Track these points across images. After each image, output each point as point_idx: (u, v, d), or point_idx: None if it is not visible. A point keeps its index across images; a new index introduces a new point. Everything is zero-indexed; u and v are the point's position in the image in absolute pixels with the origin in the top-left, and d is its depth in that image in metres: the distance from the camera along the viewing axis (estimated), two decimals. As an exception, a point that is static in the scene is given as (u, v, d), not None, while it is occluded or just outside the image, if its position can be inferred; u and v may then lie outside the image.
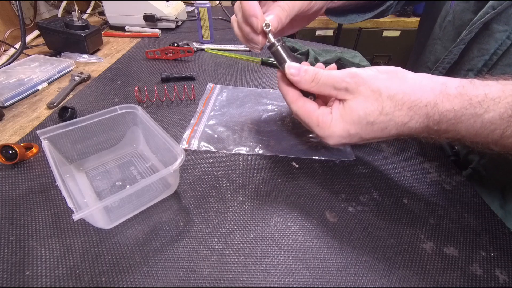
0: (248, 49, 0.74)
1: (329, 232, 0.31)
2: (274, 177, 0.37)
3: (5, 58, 0.66)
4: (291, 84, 0.31)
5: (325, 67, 0.32)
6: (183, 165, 0.38)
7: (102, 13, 0.95)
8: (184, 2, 1.02)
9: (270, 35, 0.31)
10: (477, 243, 0.30)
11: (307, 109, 0.30)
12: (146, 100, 0.51)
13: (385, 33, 1.61)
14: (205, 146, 0.42)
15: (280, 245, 0.29)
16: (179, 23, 0.94)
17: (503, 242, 0.31)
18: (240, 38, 0.33)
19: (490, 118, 0.24)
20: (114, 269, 0.27)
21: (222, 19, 0.97)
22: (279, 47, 0.31)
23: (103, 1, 0.86)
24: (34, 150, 0.39)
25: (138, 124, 0.39)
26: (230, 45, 0.77)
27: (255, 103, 0.52)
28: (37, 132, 0.33)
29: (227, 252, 0.29)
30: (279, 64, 0.32)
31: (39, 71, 0.58)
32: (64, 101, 0.52)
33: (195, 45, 0.77)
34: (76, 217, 0.24)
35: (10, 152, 0.37)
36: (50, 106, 0.50)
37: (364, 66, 0.59)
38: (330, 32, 1.62)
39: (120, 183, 0.36)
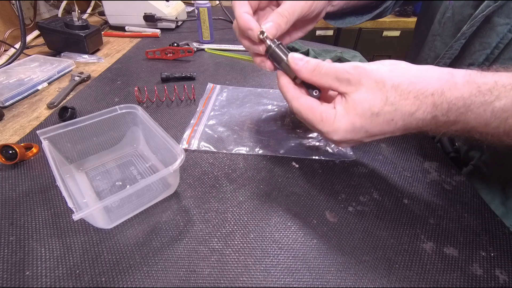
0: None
1: (329, 232, 0.31)
2: (274, 177, 0.37)
3: (5, 58, 0.66)
4: (291, 82, 0.31)
5: None
6: (183, 165, 0.38)
7: (102, 13, 0.95)
8: (184, 2, 1.02)
9: (266, 40, 0.31)
10: (477, 243, 0.30)
11: (309, 105, 0.29)
12: (146, 100, 0.51)
13: (385, 33, 1.61)
14: (205, 146, 0.42)
15: (280, 245, 0.29)
16: (179, 23, 0.94)
17: (503, 242, 0.31)
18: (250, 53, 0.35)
19: (502, 106, 0.23)
20: (114, 269, 0.27)
21: (222, 19, 0.97)
22: (275, 48, 0.31)
23: (103, 1, 0.86)
24: (34, 150, 0.39)
25: (138, 124, 0.39)
26: (230, 45, 0.77)
27: (255, 103, 0.52)
28: (37, 132, 0.33)
29: (227, 252, 0.29)
30: (278, 64, 0.32)
31: (39, 71, 0.58)
32: (64, 101, 0.52)
33: (195, 45, 0.77)
34: (76, 217, 0.24)
35: (10, 152, 0.37)
36: (50, 106, 0.50)
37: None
38: (330, 32, 1.62)
39: (120, 183, 0.36)
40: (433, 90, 0.24)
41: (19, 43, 0.67)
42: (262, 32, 0.30)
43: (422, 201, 0.35)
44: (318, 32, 1.61)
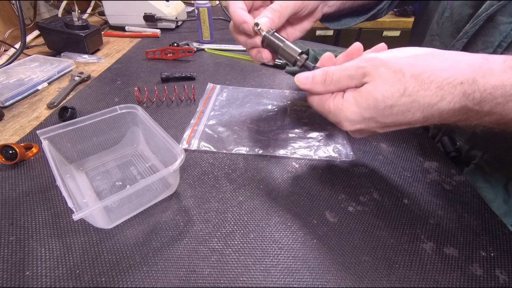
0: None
1: (329, 232, 0.31)
2: (274, 177, 0.37)
3: (5, 58, 0.66)
4: (310, 77, 0.29)
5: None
6: (183, 165, 0.38)
7: (102, 13, 0.95)
8: (184, 2, 1.02)
9: (261, 32, 0.32)
10: (477, 243, 0.30)
11: (319, 98, 0.29)
12: (146, 100, 0.51)
13: (385, 33, 1.61)
14: (205, 146, 0.42)
15: (280, 245, 0.29)
16: (179, 23, 0.94)
17: (503, 242, 0.31)
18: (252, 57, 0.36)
19: None
20: (114, 269, 0.27)
21: (222, 19, 0.97)
22: (270, 36, 0.32)
23: (103, 1, 0.86)
24: (34, 150, 0.39)
25: (138, 124, 0.39)
26: (230, 45, 0.77)
27: (255, 103, 0.52)
28: (37, 132, 0.33)
29: (227, 252, 0.29)
30: (276, 52, 0.33)
31: (39, 71, 0.58)
32: (64, 101, 0.52)
33: (195, 45, 0.77)
34: (76, 217, 0.24)
35: (10, 152, 0.37)
36: (50, 106, 0.50)
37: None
38: (330, 32, 1.62)
39: (120, 183, 0.36)
40: (462, 79, 0.23)
41: (19, 43, 0.67)
42: (256, 24, 0.31)
43: (422, 201, 0.35)
44: (318, 32, 1.61)
